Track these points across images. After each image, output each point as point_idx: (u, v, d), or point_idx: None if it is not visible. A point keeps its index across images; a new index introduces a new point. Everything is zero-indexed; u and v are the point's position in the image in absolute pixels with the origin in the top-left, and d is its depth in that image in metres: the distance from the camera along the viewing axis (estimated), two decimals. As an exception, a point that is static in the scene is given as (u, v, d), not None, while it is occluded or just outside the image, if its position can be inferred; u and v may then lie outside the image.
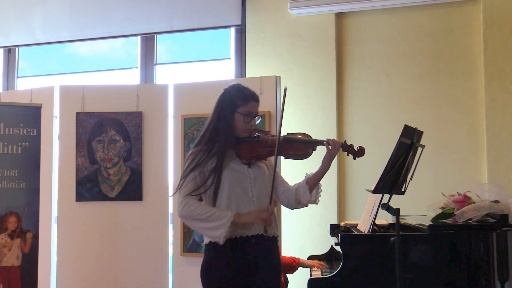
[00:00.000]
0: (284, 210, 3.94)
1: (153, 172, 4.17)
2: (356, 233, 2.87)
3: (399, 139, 2.32)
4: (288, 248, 4.08)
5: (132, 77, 5.05)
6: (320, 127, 4.28)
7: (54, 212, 4.21)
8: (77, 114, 4.19)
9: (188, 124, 4.09)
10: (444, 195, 2.95)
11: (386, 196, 2.44)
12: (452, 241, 2.59)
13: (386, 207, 2.34)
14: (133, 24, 4.85)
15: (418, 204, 3.52)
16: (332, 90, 4.33)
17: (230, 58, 4.82)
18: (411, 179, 2.52)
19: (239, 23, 4.63)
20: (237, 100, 2.35)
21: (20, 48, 5.28)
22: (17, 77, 5.29)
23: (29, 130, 3.78)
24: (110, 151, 4.16)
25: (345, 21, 4.43)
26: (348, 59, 4.41)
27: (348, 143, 2.48)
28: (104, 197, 4.14)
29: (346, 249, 2.64)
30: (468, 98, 4.11)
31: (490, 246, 2.55)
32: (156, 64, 4.96)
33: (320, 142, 2.45)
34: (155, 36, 4.95)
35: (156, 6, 4.79)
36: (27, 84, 5.27)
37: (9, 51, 5.28)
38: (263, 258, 2.29)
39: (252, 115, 2.37)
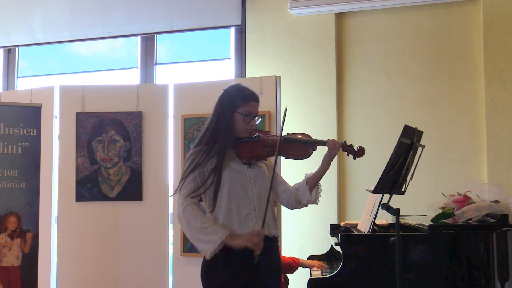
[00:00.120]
0: (284, 210, 3.94)
1: (153, 172, 4.17)
2: (356, 233, 2.86)
3: (399, 139, 2.32)
4: (288, 248, 4.07)
5: (132, 77, 5.06)
6: (320, 127, 4.28)
7: (54, 212, 4.21)
8: (77, 114, 4.19)
9: (188, 124, 4.09)
10: (444, 195, 2.94)
11: (386, 196, 2.44)
12: (452, 241, 2.59)
13: (386, 207, 2.34)
14: (133, 24, 4.85)
15: (418, 204, 3.51)
16: (332, 90, 4.33)
17: (230, 58, 4.82)
18: (411, 179, 2.51)
19: (239, 23, 4.63)
20: (237, 100, 2.34)
21: (20, 48, 5.28)
22: (17, 77, 5.29)
23: (29, 130, 3.77)
24: (110, 151, 4.16)
25: (345, 21, 4.43)
26: (348, 59, 4.41)
27: (348, 143, 2.48)
28: (104, 197, 4.14)
29: (346, 249, 2.64)
30: (468, 98, 4.11)
31: (490, 246, 2.55)
32: (156, 64, 4.96)
33: (320, 142, 2.45)
34: (155, 36, 4.95)
35: (156, 6, 4.79)
36: (27, 84, 5.27)
37: (9, 51, 5.28)
38: (263, 258, 2.29)
39: (252, 115, 2.36)
